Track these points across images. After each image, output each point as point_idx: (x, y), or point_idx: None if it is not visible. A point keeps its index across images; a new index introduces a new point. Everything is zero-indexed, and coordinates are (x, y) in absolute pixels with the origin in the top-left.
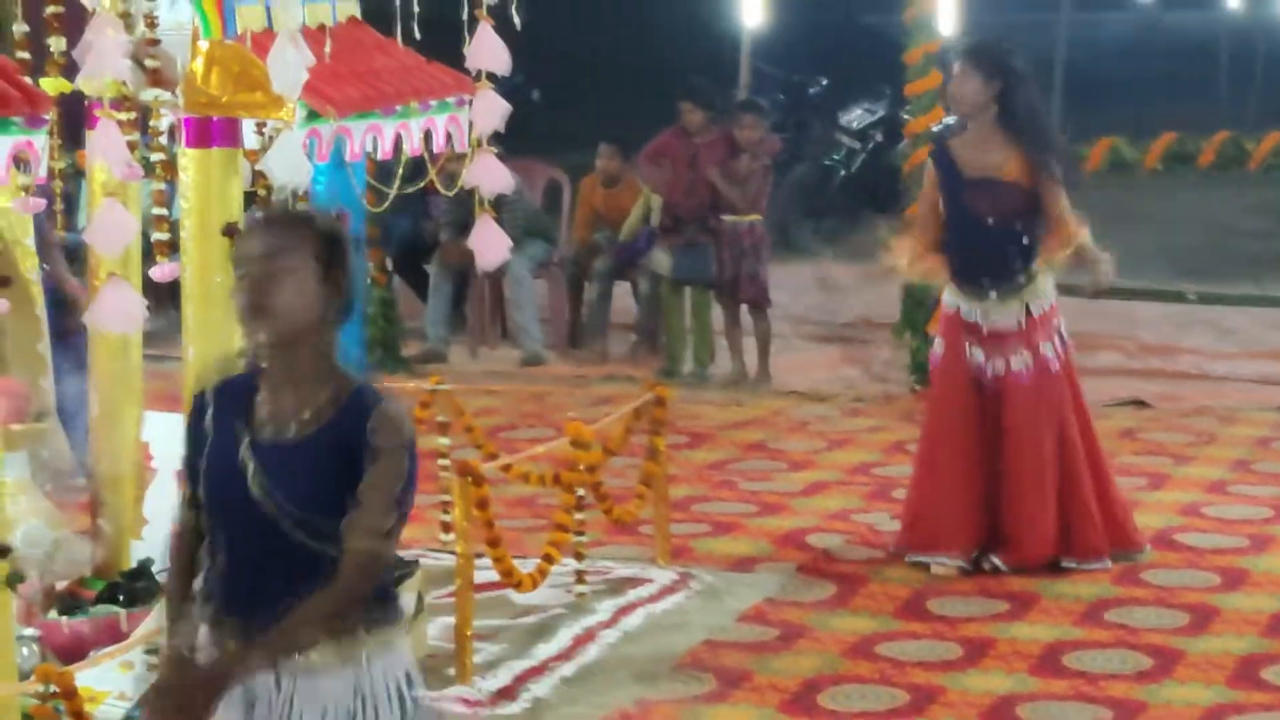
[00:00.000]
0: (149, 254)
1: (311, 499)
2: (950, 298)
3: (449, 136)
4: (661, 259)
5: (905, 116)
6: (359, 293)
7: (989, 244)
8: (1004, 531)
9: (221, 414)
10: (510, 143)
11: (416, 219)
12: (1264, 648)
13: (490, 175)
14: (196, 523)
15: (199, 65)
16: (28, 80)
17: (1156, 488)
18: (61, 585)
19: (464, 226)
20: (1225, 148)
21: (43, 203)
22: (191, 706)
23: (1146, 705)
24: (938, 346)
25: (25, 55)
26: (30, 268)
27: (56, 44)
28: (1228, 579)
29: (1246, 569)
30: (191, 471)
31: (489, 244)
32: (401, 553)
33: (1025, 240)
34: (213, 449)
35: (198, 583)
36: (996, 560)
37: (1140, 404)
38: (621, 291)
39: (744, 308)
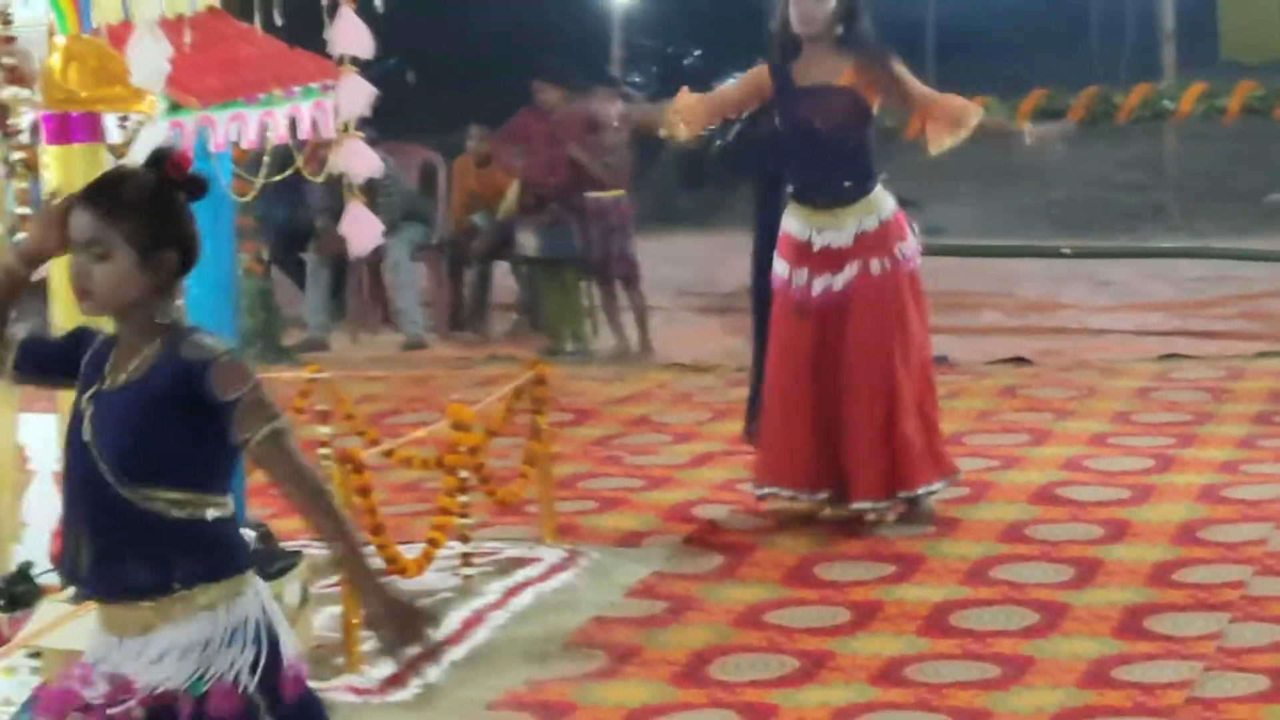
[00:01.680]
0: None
1: (128, 443)
2: (787, 218)
3: (315, 123)
4: (527, 239)
5: None
6: (199, 250)
7: (819, 153)
8: (844, 464)
9: (89, 365)
10: (385, 126)
11: (292, 208)
12: (1148, 598)
13: (359, 160)
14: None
15: (57, 61)
16: None
17: (1039, 443)
18: None
19: (338, 213)
20: (1095, 102)
21: None
22: (412, 625)
23: (1034, 660)
24: (777, 268)
25: None
26: None
27: None
28: (1111, 531)
29: (1129, 520)
30: (46, 342)
31: (361, 230)
32: (285, 544)
33: (855, 149)
34: (75, 397)
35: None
36: (853, 504)
37: (1021, 361)
38: (501, 272)
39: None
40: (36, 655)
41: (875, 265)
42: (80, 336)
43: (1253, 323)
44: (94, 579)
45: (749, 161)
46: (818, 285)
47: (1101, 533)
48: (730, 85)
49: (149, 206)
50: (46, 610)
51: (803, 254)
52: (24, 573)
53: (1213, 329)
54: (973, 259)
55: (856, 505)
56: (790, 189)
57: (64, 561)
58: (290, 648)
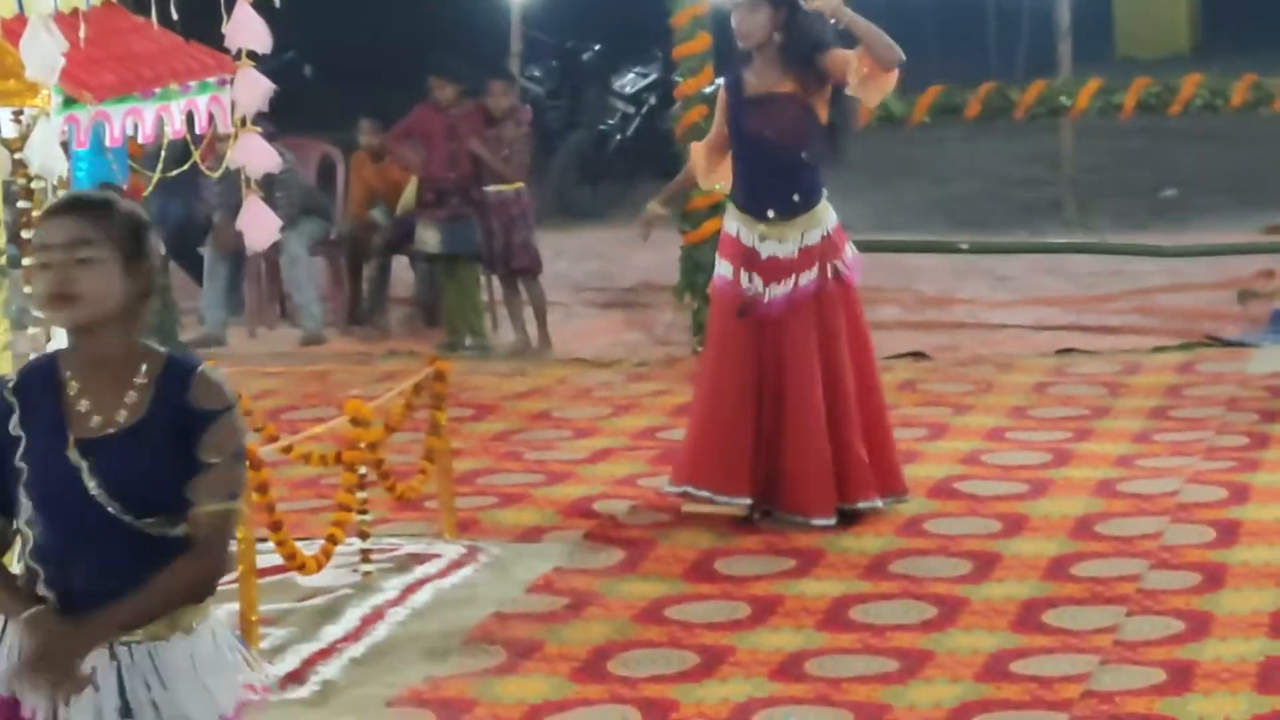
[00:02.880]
0: None
1: (154, 485)
2: (731, 222)
3: (211, 117)
4: (427, 235)
5: (676, 79)
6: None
7: (766, 163)
8: (779, 472)
9: (31, 414)
10: (283, 120)
11: (188, 202)
12: (1045, 591)
13: (256, 155)
14: (5, 525)
15: None
16: None
17: (936, 437)
18: None
19: (236, 208)
20: (991, 98)
21: None
22: (66, 662)
23: (933, 654)
24: (719, 268)
25: None
26: None
27: None
28: (1008, 525)
29: (1026, 514)
30: None
31: (258, 224)
32: None
33: (804, 160)
34: (32, 451)
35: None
36: (776, 510)
37: (919, 355)
38: (400, 266)
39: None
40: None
41: (815, 277)
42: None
43: (1147, 318)
44: (90, 605)
45: (648, 156)
46: (768, 292)
47: (999, 527)
48: (713, 133)
49: (131, 216)
50: None
51: (749, 259)
52: None
53: (1108, 324)
54: (871, 254)
55: (792, 517)
56: (735, 198)
57: (43, 589)
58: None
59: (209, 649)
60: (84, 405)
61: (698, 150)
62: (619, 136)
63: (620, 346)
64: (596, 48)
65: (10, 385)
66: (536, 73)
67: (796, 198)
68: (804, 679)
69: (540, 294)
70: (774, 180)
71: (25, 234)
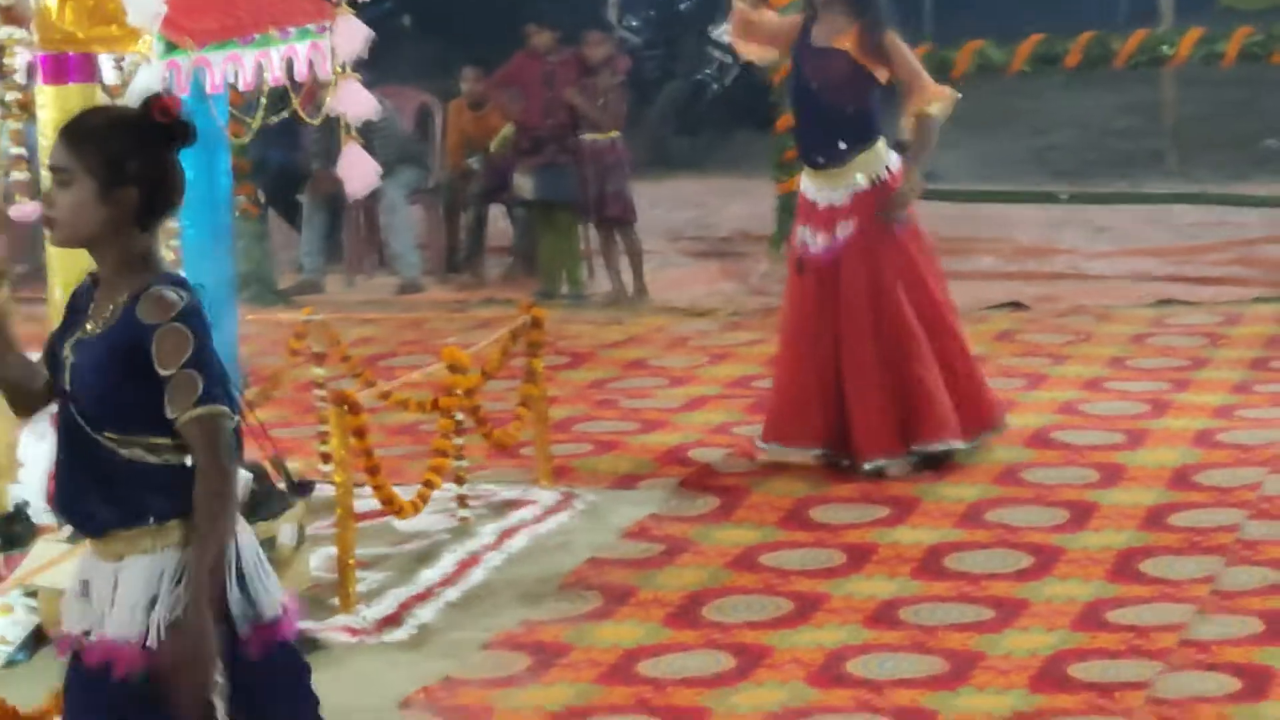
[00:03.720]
0: (9, 195)
1: (99, 393)
2: (802, 177)
3: (311, 64)
4: (523, 181)
5: None
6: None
7: (815, 111)
8: (847, 420)
9: (74, 312)
10: (380, 69)
11: (287, 150)
12: (1142, 541)
13: (355, 102)
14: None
15: (53, 1)
16: None
17: (1034, 387)
18: None
19: (334, 156)
20: (1091, 47)
21: None
22: (200, 669)
23: (1029, 602)
24: (796, 222)
25: None
26: None
27: None
28: (1106, 474)
29: (1124, 464)
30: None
31: (357, 171)
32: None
33: (852, 112)
34: (57, 345)
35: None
36: (852, 458)
37: (1017, 306)
38: (497, 215)
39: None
40: (32, 594)
41: (867, 224)
42: (72, 304)
43: (1248, 268)
44: (72, 512)
45: (744, 106)
46: (815, 243)
47: (1096, 476)
48: (786, 20)
49: (112, 141)
50: (42, 549)
51: (809, 212)
52: (20, 512)
53: (1208, 274)
54: (969, 205)
55: (867, 465)
56: (796, 143)
57: (54, 495)
58: (269, 594)
59: (143, 573)
60: (91, 312)
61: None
62: (715, 86)
63: (715, 295)
64: None
65: (78, 287)
66: (634, 22)
67: (843, 145)
68: (898, 626)
69: (636, 243)
70: (822, 128)
71: None
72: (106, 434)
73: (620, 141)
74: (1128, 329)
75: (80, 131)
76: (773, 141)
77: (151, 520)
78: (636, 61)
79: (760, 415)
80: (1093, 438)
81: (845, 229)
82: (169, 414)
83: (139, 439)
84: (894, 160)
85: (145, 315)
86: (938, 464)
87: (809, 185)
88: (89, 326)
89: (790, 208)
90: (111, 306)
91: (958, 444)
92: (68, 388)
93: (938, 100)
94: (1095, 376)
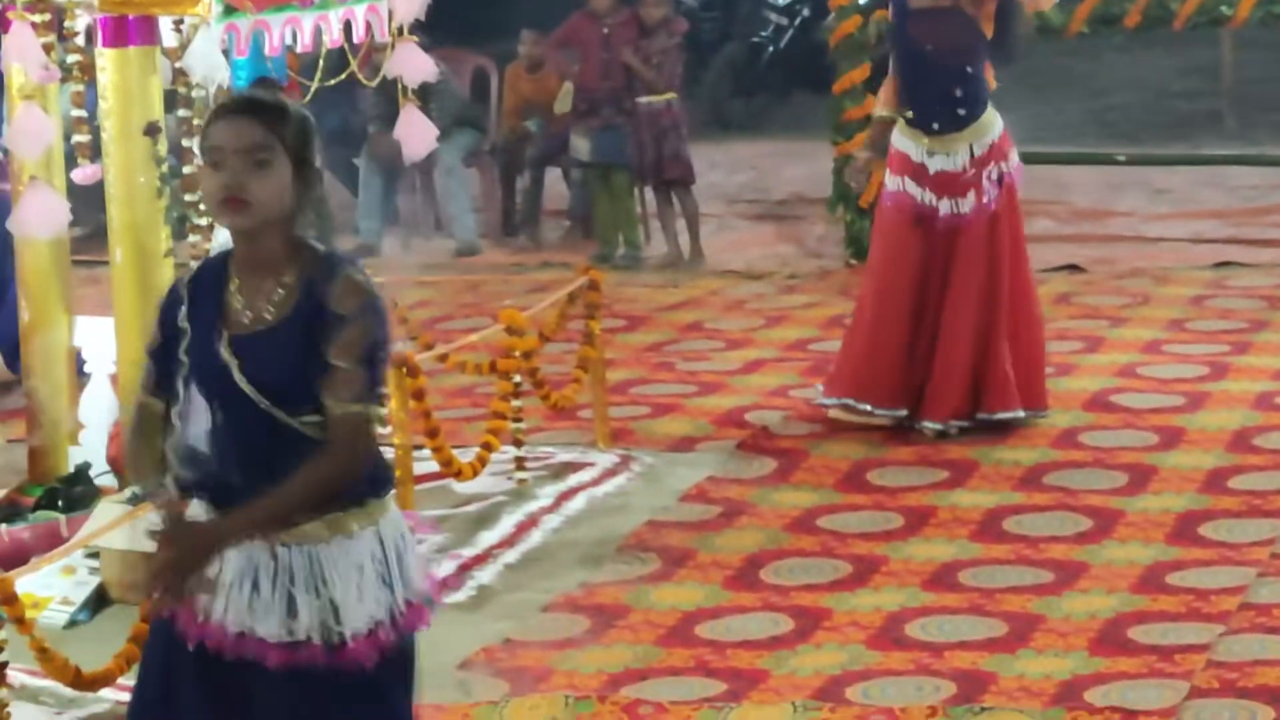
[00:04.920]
0: (71, 158)
1: (296, 381)
2: (898, 136)
3: (369, 27)
4: (580, 143)
5: None
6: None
7: (929, 76)
8: (931, 382)
9: (197, 308)
10: (436, 32)
11: (344, 112)
12: (1202, 504)
13: (413, 64)
14: (161, 409)
15: None
16: None
17: (1092, 350)
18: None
19: (391, 118)
20: (1151, 8)
21: None
22: (191, 558)
23: (1088, 565)
24: (889, 183)
25: None
26: None
27: None
28: (1165, 438)
29: (1183, 427)
30: (159, 362)
31: (415, 134)
32: None
33: (968, 72)
34: (194, 345)
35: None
36: (926, 422)
37: (1075, 268)
38: (553, 179)
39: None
40: (94, 555)
41: (988, 190)
42: (172, 300)
43: None
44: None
45: (801, 68)
46: (941, 207)
47: (1155, 439)
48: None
49: (302, 121)
50: (104, 511)
51: (920, 174)
52: (82, 474)
53: (1267, 237)
54: (1026, 166)
55: (931, 424)
56: (901, 112)
57: (207, 489)
58: (419, 574)
59: (368, 553)
60: (239, 302)
61: (886, 87)
62: (771, 48)
63: (772, 258)
64: None
65: (186, 280)
66: None
67: (962, 111)
68: (957, 589)
69: (693, 205)
70: (938, 93)
71: (186, 143)
72: (293, 415)
73: (676, 103)
74: (1186, 291)
75: (274, 110)
76: (830, 103)
77: (342, 506)
78: (693, 24)
79: (817, 377)
80: (1152, 401)
81: (974, 196)
82: (324, 398)
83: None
84: (1000, 121)
85: (339, 303)
86: (997, 429)
87: (915, 148)
88: (248, 317)
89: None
90: (280, 291)
91: (1020, 413)
92: (241, 387)
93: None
94: (1154, 339)
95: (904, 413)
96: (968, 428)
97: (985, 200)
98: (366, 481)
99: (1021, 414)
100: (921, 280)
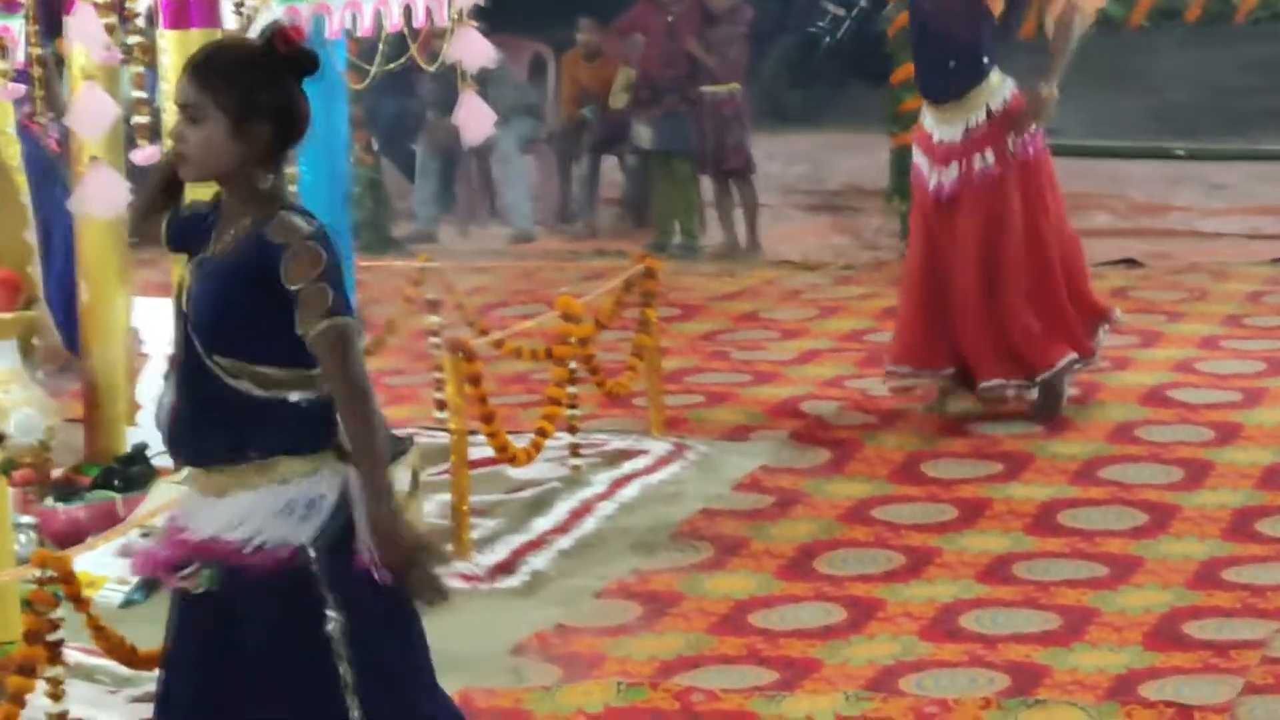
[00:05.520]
0: (131, 139)
1: (217, 314)
2: (922, 112)
3: (429, 11)
4: (642, 131)
5: None
6: (300, 126)
7: (932, 49)
8: (962, 348)
9: (200, 234)
10: (495, 19)
11: (402, 98)
12: (1259, 500)
13: (472, 50)
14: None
15: None
16: None
17: (1149, 345)
18: (57, 472)
19: (450, 105)
20: (1211, 2)
21: (21, 88)
22: (417, 559)
23: (1143, 560)
24: (915, 156)
25: None
26: (13, 155)
27: None
28: (1221, 433)
29: (1240, 423)
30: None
31: (474, 119)
32: (395, 430)
33: (964, 47)
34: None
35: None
36: (980, 383)
37: (1131, 263)
38: (609, 167)
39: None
40: (150, 535)
41: (982, 159)
42: (202, 210)
43: None
44: (178, 441)
45: (858, 60)
46: (934, 178)
47: (1211, 435)
48: None
49: (243, 76)
50: (160, 491)
51: (929, 147)
52: (139, 454)
53: None
54: (1083, 160)
55: (984, 385)
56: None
57: (164, 426)
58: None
59: (276, 498)
60: (213, 238)
61: None
62: (828, 39)
63: (828, 249)
64: None
65: (197, 205)
66: None
67: (956, 83)
68: (1011, 581)
69: (753, 195)
70: (937, 65)
71: None
72: (216, 358)
73: (739, 94)
74: (1244, 287)
75: (210, 67)
76: (886, 95)
77: (254, 456)
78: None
79: (873, 368)
80: (1208, 396)
81: (968, 164)
82: (299, 329)
83: (247, 367)
84: (1010, 88)
85: (275, 236)
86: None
87: (928, 119)
88: (211, 250)
89: (905, 161)
90: (233, 231)
91: (1071, 355)
92: (184, 308)
93: (1086, 4)
94: (1211, 334)
95: (949, 370)
96: (1026, 386)
97: (979, 169)
98: (279, 438)
99: (1073, 356)
100: (932, 251)
